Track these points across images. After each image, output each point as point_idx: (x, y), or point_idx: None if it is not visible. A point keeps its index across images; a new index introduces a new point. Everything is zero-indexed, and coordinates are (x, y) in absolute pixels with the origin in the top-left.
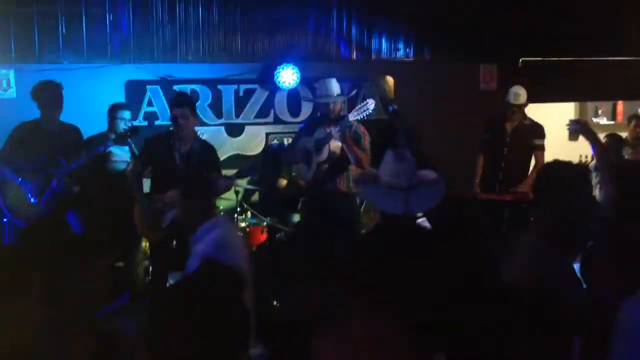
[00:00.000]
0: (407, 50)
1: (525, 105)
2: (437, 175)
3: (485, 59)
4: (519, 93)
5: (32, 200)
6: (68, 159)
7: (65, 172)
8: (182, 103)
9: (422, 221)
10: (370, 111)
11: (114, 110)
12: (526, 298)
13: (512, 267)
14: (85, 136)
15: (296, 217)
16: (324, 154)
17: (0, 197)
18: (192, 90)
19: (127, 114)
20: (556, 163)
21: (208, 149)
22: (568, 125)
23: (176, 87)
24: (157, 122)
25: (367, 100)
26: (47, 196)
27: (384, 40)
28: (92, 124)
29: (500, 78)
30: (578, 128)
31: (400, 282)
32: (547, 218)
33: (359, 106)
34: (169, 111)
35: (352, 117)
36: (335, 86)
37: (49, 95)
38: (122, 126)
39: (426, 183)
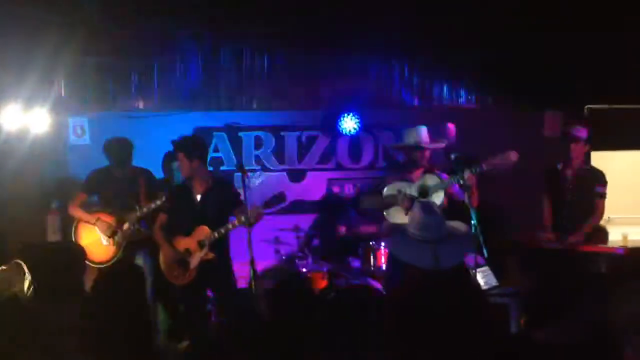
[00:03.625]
0: (469, 96)
1: (588, 147)
2: (467, 228)
3: (550, 105)
4: (579, 128)
5: (104, 242)
6: (140, 203)
7: (137, 216)
8: (176, 148)
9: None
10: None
11: (170, 160)
12: None
13: None
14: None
15: (356, 264)
16: (438, 200)
17: (77, 238)
18: (257, 137)
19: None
20: None
21: (225, 186)
22: None
23: (241, 134)
24: (222, 168)
25: (510, 152)
26: (120, 238)
27: (445, 87)
28: (161, 168)
29: (565, 125)
30: None
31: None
32: None
33: (499, 156)
34: (234, 158)
35: (486, 166)
36: (426, 134)
37: (119, 151)
38: (178, 176)
39: (456, 235)
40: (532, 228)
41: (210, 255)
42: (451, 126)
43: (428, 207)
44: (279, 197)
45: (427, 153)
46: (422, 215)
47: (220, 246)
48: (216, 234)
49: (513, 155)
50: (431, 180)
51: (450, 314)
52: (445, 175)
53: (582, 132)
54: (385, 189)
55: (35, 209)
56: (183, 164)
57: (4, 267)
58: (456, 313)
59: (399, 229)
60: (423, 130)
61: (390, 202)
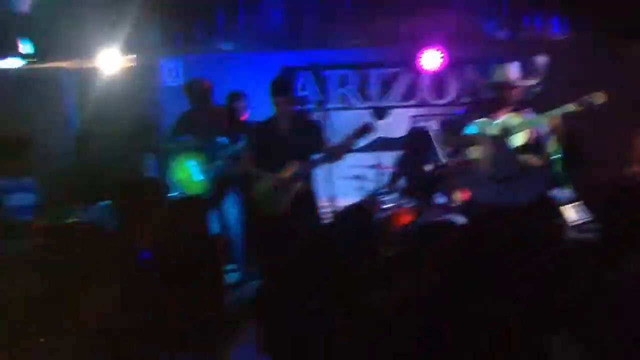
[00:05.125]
0: (562, 27)
1: None
2: (545, 164)
3: None
4: None
5: (196, 178)
6: (228, 138)
7: (227, 153)
8: (285, 90)
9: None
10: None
11: (236, 98)
12: None
13: None
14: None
15: (439, 199)
16: (521, 139)
17: (170, 173)
18: (341, 75)
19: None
20: None
21: (310, 123)
22: None
23: (325, 73)
24: (308, 106)
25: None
26: (210, 175)
27: (536, 17)
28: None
29: None
30: None
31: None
32: None
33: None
34: (318, 96)
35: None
36: (516, 71)
37: (196, 92)
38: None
39: (531, 172)
40: (622, 164)
41: (305, 188)
42: (542, 60)
43: (501, 145)
44: (366, 128)
45: (516, 92)
46: (494, 153)
47: (309, 181)
48: (307, 168)
49: (601, 97)
50: (515, 119)
51: (522, 247)
52: (530, 114)
53: None
54: (467, 128)
55: (131, 151)
56: (280, 104)
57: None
58: (528, 246)
59: (472, 166)
60: (513, 67)
61: (472, 141)
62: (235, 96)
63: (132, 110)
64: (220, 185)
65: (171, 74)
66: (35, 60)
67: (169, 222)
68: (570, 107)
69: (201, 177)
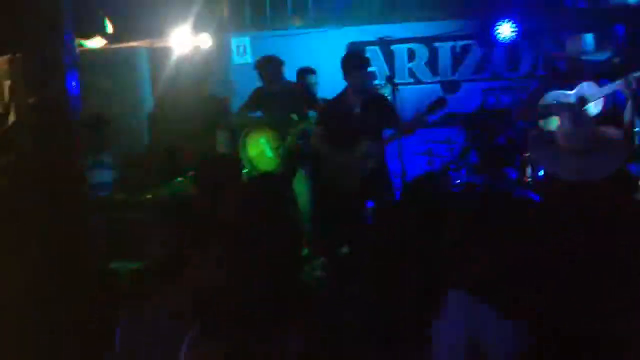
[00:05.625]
0: None
1: None
2: (624, 136)
3: None
4: None
5: (268, 154)
6: (300, 116)
7: (299, 130)
8: (362, 65)
9: None
10: None
11: (307, 75)
12: None
13: None
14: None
15: (513, 174)
16: (597, 109)
17: (242, 150)
18: (409, 49)
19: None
20: None
21: (380, 99)
22: None
23: (393, 47)
24: (376, 82)
25: None
26: (283, 151)
27: None
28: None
29: None
30: None
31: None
32: None
33: None
34: (387, 71)
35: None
36: (591, 42)
37: (270, 70)
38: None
39: (609, 144)
40: None
41: (377, 165)
42: (619, 29)
43: (576, 115)
44: (440, 102)
45: (591, 63)
46: (569, 124)
47: (382, 157)
48: (380, 145)
49: None
50: (590, 88)
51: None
52: (606, 82)
53: None
54: (543, 99)
55: (206, 127)
56: (354, 80)
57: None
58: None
59: (545, 138)
60: (588, 39)
61: (547, 112)
62: (306, 72)
63: (204, 88)
64: (291, 162)
65: (240, 51)
66: (115, 40)
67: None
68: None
69: (272, 154)
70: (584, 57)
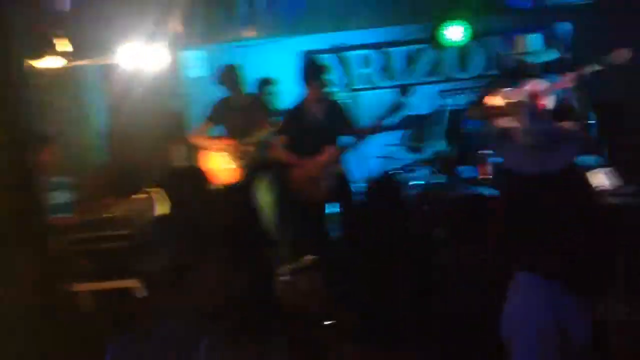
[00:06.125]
0: None
1: None
2: (580, 129)
3: None
4: None
5: (229, 167)
6: (260, 127)
7: (259, 140)
8: (321, 74)
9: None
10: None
11: (266, 85)
12: None
13: None
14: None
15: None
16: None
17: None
18: (363, 56)
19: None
20: None
21: (337, 106)
22: None
23: (348, 54)
24: (331, 89)
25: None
26: (244, 163)
27: None
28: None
29: None
30: None
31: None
32: None
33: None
34: (342, 78)
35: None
36: (538, 41)
37: (230, 78)
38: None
39: (565, 138)
40: None
41: (339, 171)
42: (565, 27)
43: (534, 112)
44: (397, 106)
45: (538, 61)
46: (527, 120)
47: (342, 164)
48: (342, 151)
49: (625, 53)
50: (540, 85)
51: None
52: (557, 79)
53: None
54: (492, 98)
55: (160, 142)
56: (313, 89)
57: (144, 195)
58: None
59: (504, 135)
60: (534, 38)
61: (498, 111)
62: (266, 83)
63: (159, 102)
64: (254, 172)
65: (195, 65)
66: (70, 58)
67: (218, 210)
68: (589, 68)
69: (232, 165)
70: (532, 56)
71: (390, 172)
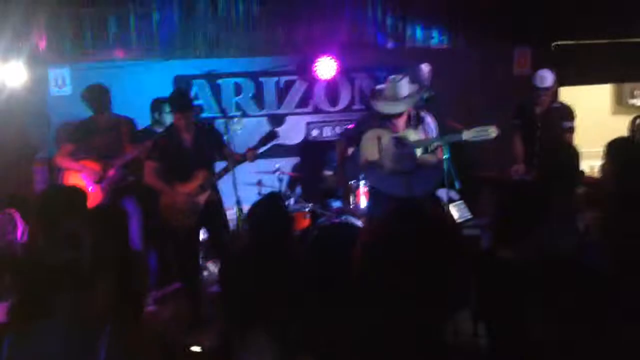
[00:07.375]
0: (442, 37)
1: (554, 88)
2: (438, 160)
3: (518, 42)
4: (545, 76)
5: (90, 188)
6: (124, 150)
7: (121, 163)
8: (185, 107)
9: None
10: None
11: (160, 105)
12: None
13: None
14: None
15: (337, 204)
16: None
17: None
18: (236, 84)
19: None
20: None
21: (210, 131)
22: None
23: (220, 81)
24: (203, 115)
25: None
26: (105, 185)
27: (418, 28)
28: (142, 116)
29: (534, 62)
30: None
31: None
32: None
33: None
34: (214, 104)
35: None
36: (405, 88)
37: (97, 98)
38: (169, 119)
39: (426, 166)
40: (505, 164)
41: (214, 197)
42: (426, 67)
43: (401, 142)
44: (272, 135)
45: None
46: (395, 150)
47: (217, 188)
48: (216, 176)
49: (494, 131)
50: (414, 135)
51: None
52: (431, 130)
53: (547, 81)
54: (364, 137)
55: (20, 162)
56: (180, 119)
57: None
58: (426, 233)
59: (374, 163)
60: (402, 83)
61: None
62: (162, 102)
63: (20, 121)
64: (117, 195)
65: (59, 83)
66: None
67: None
68: (462, 136)
69: (94, 188)
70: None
71: (273, 193)
